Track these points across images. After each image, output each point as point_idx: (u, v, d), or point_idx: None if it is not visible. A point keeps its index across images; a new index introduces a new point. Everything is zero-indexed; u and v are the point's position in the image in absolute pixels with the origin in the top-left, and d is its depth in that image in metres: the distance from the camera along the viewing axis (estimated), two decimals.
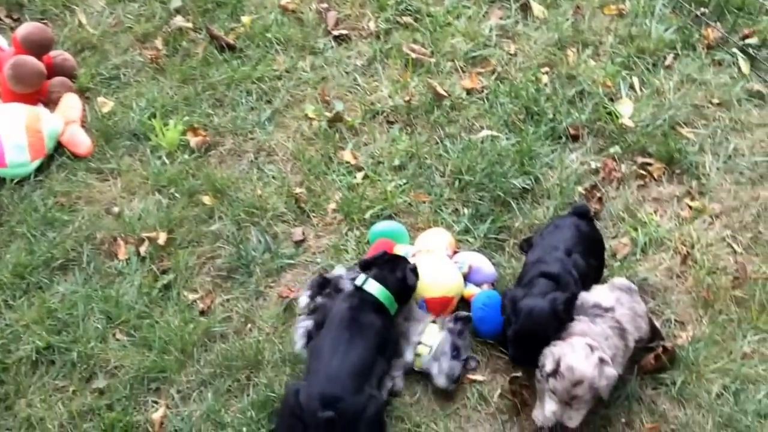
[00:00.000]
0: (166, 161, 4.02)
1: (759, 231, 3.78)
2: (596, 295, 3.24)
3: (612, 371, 2.98)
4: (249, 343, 3.43)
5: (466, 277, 3.57)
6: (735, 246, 3.73)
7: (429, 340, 3.33)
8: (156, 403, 3.31)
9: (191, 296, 3.58)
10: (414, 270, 3.36)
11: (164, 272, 3.65)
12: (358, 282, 3.30)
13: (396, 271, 3.32)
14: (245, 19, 4.56)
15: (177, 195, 3.89)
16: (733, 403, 3.29)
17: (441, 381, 3.30)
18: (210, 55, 4.44)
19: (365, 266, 3.36)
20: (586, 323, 3.11)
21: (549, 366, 2.98)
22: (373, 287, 3.27)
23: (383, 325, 3.25)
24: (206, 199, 3.87)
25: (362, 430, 3.03)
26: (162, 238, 3.73)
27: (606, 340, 3.07)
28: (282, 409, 3.13)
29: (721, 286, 3.58)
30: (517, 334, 3.15)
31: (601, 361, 2.97)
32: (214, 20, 4.59)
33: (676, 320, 3.51)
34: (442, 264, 3.53)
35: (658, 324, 3.42)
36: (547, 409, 3.02)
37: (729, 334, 3.47)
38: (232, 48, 4.46)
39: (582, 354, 2.96)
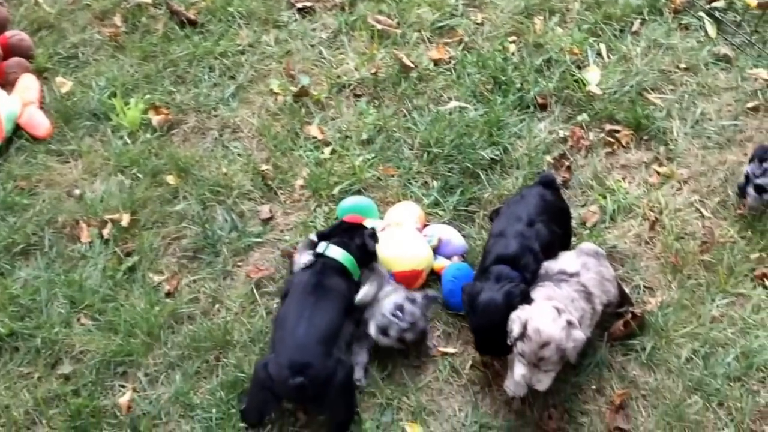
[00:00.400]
0: (128, 141, 3.94)
1: (727, 195, 3.78)
2: (562, 262, 3.22)
3: (579, 333, 2.98)
4: (217, 323, 3.39)
5: (436, 250, 3.54)
6: (703, 210, 3.73)
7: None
8: (123, 387, 3.26)
9: (157, 278, 3.52)
10: (373, 235, 3.35)
11: (128, 254, 3.59)
12: (320, 249, 3.27)
13: (355, 238, 3.30)
14: None
15: (140, 175, 3.82)
16: (702, 366, 3.30)
17: (371, 330, 3.27)
18: (171, 31, 4.34)
19: (323, 237, 3.34)
20: (551, 288, 3.10)
21: (516, 330, 2.96)
22: (335, 252, 3.25)
23: (348, 288, 3.24)
24: (170, 179, 3.80)
25: (332, 395, 3.02)
26: (125, 219, 3.66)
27: (572, 303, 3.05)
28: (252, 384, 3.11)
29: (690, 251, 3.58)
30: (476, 329, 3.17)
31: (569, 323, 2.95)
32: None
33: (645, 286, 3.51)
34: (410, 237, 3.49)
35: (627, 290, 3.42)
36: (516, 373, 3.00)
37: (698, 299, 3.48)
38: (193, 23, 4.36)
39: (549, 316, 2.95)
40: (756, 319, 3.42)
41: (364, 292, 3.28)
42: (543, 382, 3.01)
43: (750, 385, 3.27)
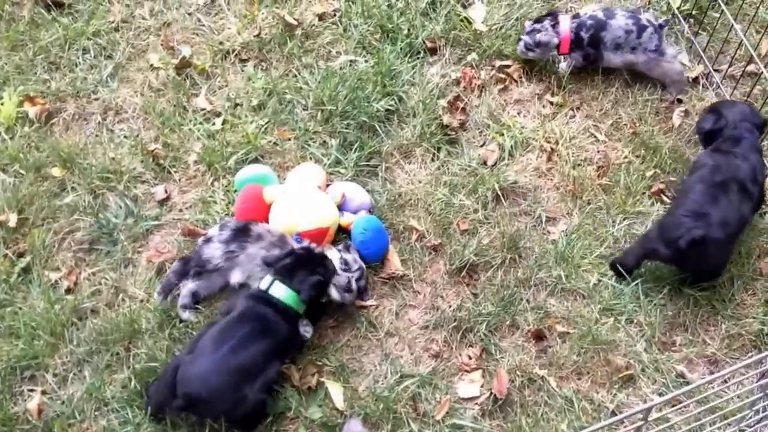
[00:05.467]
0: (6, 137, 3.74)
1: (619, 116, 3.83)
2: None
3: None
4: (122, 314, 3.28)
5: (341, 207, 3.50)
6: (597, 134, 3.78)
7: None
8: (32, 391, 3.15)
9: (54, 275, 3.39)
10: (316, 284, 3.13)
11: (21, 255, 3.43)
12: (263, 285, 3.12)
13: (312, 273, 3.13)
14: None
15: (22, 171, 3.63)
16: (611, 288, 3.38)
17: (334, 294, 3.25)
18: (37, 16, 4.10)
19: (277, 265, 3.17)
20: None
21: None
22: (280, 291, 3.10)
23: (288, 330, 3.11)
24: (55, 171, 3.63)
25: (236, 424, 2.99)
26: (12, 219, 3.49)
27: None
28: (161, 378, 3.03)
29: (587, 176, 3.63)
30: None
31: None
32: None
33: (547, 217, 3.55)
34: (312, 196, 3.44)
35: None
36: None
37: (600, 222, 3.54)
38: (60, 5, 4.12)
39: None
40: None
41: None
42: None
43: (657, 300, 3.36)
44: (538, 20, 3.89)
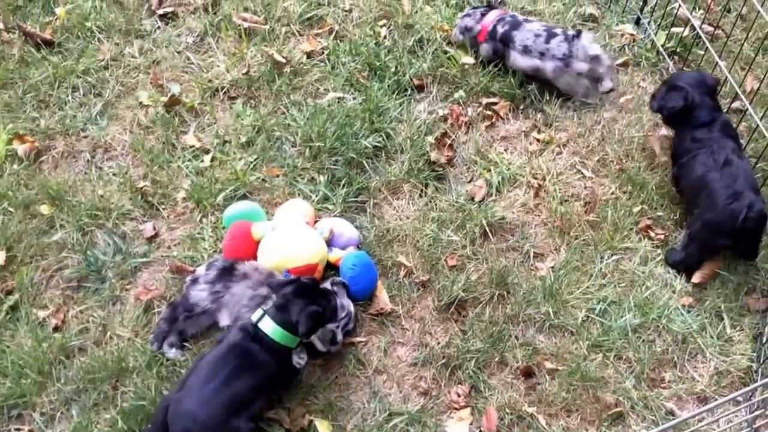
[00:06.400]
0: None
1: (605, 152, 3.87)
2: None
3: None
4: (110, 351, 3.26)
5: (329, 243, 3.51)
6: (584, 171, 3.81)
7: None
8: (19, 430, 3.11)
9: (41, 313, 3.37)
10: (312, 314, 3.06)
11: (8, 293, 3.41)
12: (254, 317, 3.09)
13: (310, 304, 3.07)
14: (59, 10, 4.26)
15: (11, 209, 3.63)
16: (599, 324, 3.39)
17: (319, 346, 3.23)
18: (27, 55, 4.13)
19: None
20: None
21: None
22: (268, 326, 3.06)
23: (276, 366, 3.07)
24: (44, 209, 3.63)
25: None
26: (1, 257, 3.48)
27: None
28: (152, 420, 3.01)
29: (575, 212, 3.65)
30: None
31: None
32: (26, 16, 4.28)
33: (535, 253, 3.57)
34: (300, 233, 3.44)
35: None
36: None
37: (587, 258, 3.55)
38: (49, 44, 4.16)
39: None
40: (645, 271, 3.53)
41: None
42: None
43: (646, 336, 3.37)
44: (475, 7, 4.13)
